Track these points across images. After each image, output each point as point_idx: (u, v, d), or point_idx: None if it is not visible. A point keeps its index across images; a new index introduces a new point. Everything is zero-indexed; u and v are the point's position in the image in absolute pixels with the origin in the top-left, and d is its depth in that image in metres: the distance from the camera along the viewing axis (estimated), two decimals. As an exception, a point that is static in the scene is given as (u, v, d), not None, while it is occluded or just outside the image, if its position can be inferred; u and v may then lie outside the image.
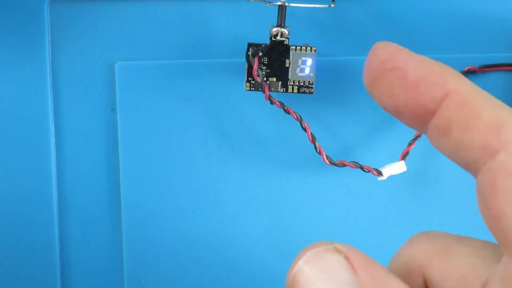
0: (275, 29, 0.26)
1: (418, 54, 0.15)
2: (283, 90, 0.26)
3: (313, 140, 0.26)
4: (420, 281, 0.15)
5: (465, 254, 0.15)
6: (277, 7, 0.26)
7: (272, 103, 0.26)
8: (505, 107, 0.13)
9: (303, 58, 0.26)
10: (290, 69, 0.26)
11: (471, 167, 0.14)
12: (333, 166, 0.26)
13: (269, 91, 0.26)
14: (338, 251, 0.13)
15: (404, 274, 0.16)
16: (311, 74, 0.26)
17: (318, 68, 0.27)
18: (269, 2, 0.26)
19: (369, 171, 0.26)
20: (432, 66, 0.14)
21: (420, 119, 0.15)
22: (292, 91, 0.26)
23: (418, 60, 0.15)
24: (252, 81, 0.26)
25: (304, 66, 0.26)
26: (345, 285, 0.13)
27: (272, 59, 0.26)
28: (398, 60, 0.15)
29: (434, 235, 0.16)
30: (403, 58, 0.15)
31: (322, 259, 0.13)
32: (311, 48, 0.26)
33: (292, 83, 0.26)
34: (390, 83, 0.15)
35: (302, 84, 0.26)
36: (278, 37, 0.26)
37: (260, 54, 0.26)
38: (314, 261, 0.13)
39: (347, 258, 0.13)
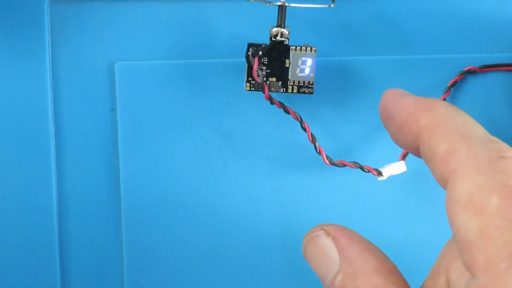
0: (275, 29, 0.26)
1: (409, 94, 0.16)
2: (283, 90, 0.26)
3: (313, 140, 0.26)
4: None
5: None
6: (277, 7, 0.26)
7: (272, 103, 0.26)
8: (460, 133, 0.14)
9: (303, 58, 0.26)
10: (290, 69, 0.26)
11: None
12: (333, 166, 0.26)
13: (269, 91, 0.26)
14: (327, 234, 0.16)
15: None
16: (311, 74, 0.26)
17: (318, 68, 0.27)
18: (269, 2, 0.26)
19: (369, 171, 0.26)
20: (410, 106, 0.16)
21: (418, 154, 0.16)
22: (292, 91, 0.26)
23: (401, 103, 0.16)
24: (252, 81, 0.26)
25: (304, 66, 0.26)
26: (331, 263, 0.16)
27: (272, 59, 0.26)
28: (390, 107, 0.16)
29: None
30: (392, 104, 0.16)
31: (315, 242, 0.17)
32: (311, 48, 0.26)
33: (292, 83, 0.26)
34: (390, 128, 0.17)
35: (302, 84, 0.26)
36: (278, 37, 0.26)
37: (260, 54, 0.26)
38: (310, 244, 0.17)
39: (334, 239, 0.16)
